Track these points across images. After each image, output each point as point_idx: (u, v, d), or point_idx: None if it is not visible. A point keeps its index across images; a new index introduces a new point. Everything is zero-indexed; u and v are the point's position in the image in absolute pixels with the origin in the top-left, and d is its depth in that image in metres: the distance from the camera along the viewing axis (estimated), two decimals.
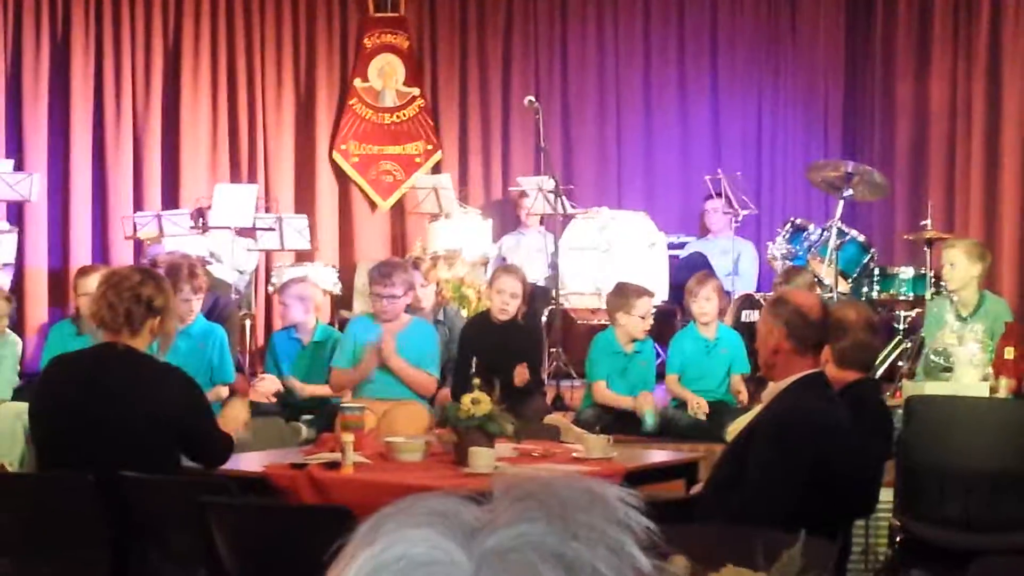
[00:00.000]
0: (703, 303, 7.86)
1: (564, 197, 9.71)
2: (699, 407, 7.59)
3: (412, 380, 7.17)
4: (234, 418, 5.20)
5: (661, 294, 9.49)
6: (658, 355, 8.82)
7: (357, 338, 7.31)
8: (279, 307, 8.57)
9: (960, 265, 7.48)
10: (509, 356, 7.49)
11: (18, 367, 7.87)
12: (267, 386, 8.06)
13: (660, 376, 8.20)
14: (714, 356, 7.82)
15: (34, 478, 5.10)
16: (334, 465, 5.27)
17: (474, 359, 7.35)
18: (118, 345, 4.77)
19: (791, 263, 8.86)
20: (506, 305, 7.65)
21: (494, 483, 0.94)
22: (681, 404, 7.74)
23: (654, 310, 9.15)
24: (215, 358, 7.42)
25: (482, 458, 5.20)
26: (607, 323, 8.03)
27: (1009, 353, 6.76)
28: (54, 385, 4.94)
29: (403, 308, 7.32)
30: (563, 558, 0.88)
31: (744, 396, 7.66)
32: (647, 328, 7.74)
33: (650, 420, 7.04)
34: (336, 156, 11.46)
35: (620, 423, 7.28)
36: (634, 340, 7.68)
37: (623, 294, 7.71)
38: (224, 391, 7.46)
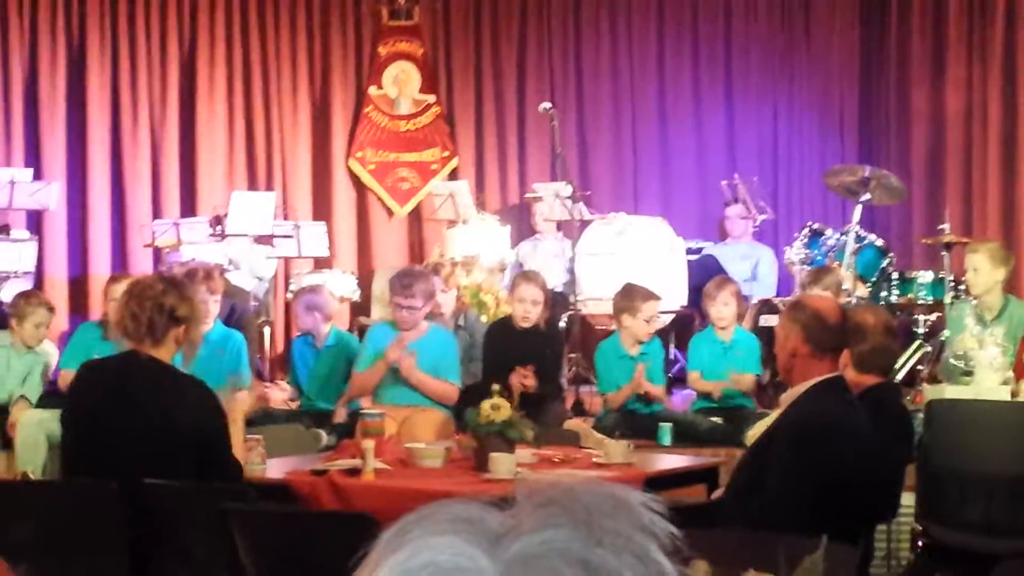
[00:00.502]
0: (721, 307, 7.86)
1: (581, 203, 9.71)
2: (715, 390, 7.66)
3: (433, 392, 7.17)
4: (234, 415, 5.12)
5: (680, 299, 9.47)
6: (677, 360, 8.82)
7: (378, 346, 7.32)
8: (304, 320, 8.56)
9: (984, 270, 7.45)
10: (531, 362, 7.49)
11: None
12: (278, 395, 8.04)
13: (679, 380, 8.20)
14: (730, 358, 7.82)
15: (56, 485, 5.12)
16: (355, 471, 5.28)
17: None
18: (141, 354, 4.78)
19: (810, 268, 8.85)
20: (528, 313, 7.66)
21: (517, 489, 0.94)
22: (702, 410, 7.74)
23: (673, 315, 9.16)
24: (233, 364, 7.44)
25: (502, 464, 5.20)
26: None
27: None
28: (81, 392, 4.97)
29: (423, 317, 7.33)
30: (588, 564, 0.88)
31: (742, 384, 7.67)
32: (652, 332, 7.73)
33: (666, 440, 7.04)
34: (352, 163, 11.47)
35: (641, 429, 7.26)
36: (640, 342, 7.67)
37: (629, 296, 7.69)
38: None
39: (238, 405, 5.15)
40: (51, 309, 7.91)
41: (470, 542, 0.89)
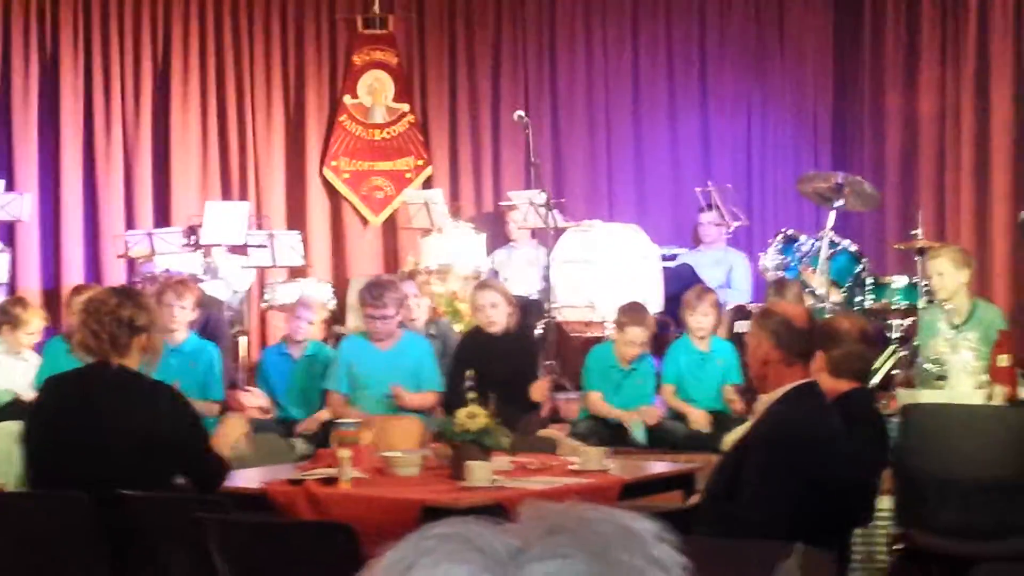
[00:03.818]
0: (700, 317, 7.87)
1: (555, 211, 9.71)
2: (699, 422, 7.59)
3: (421, 407, 7.23)
4: (227, 435, 5.15)
5: (655, 306, 9.48)
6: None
7: (352, 360, 7.31)
8: (290, 322, 8.37)
9: (948, 273, 7.48)
10: (507, 368, 7.49)
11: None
12: (252, 400, 8.01)
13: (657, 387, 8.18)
14: (708, 367, 7.82)
15: (30, 497, 5.08)
16: (331, 481, 5.27)
17: (467, 372, 7.33)
18: (111, 364, 4.77)
19: (783, 274, 8.87)
20: (490, 317, 7.66)
21: (523, 509, 0.93)
22: (677, 415, 7.73)
23: None
24: (205, 376, 7.40)
25: (479, 472, 5.19)
26: (599, 336, 8.00)
27: (1003, 360, 6.76)
28: (49, 405, 4.94)
29: (396, 325, 7.32)
30: None
31: (738, 405, 7.66)
32: (631, 355, 7.71)
33: (639, 435, 7.03)
34: (327, 172, 11.45)
35: (616, 435, 7.26)
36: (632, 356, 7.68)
37: (625, 313, 7.75)
38: (215, 408, 7.44)
39: (230, 429, 5.16)
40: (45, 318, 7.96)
41: (483, 571, 0.88)
